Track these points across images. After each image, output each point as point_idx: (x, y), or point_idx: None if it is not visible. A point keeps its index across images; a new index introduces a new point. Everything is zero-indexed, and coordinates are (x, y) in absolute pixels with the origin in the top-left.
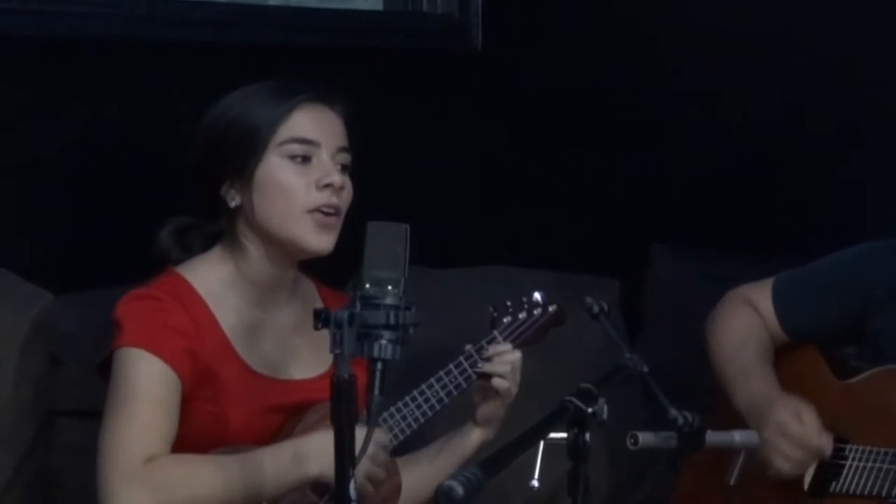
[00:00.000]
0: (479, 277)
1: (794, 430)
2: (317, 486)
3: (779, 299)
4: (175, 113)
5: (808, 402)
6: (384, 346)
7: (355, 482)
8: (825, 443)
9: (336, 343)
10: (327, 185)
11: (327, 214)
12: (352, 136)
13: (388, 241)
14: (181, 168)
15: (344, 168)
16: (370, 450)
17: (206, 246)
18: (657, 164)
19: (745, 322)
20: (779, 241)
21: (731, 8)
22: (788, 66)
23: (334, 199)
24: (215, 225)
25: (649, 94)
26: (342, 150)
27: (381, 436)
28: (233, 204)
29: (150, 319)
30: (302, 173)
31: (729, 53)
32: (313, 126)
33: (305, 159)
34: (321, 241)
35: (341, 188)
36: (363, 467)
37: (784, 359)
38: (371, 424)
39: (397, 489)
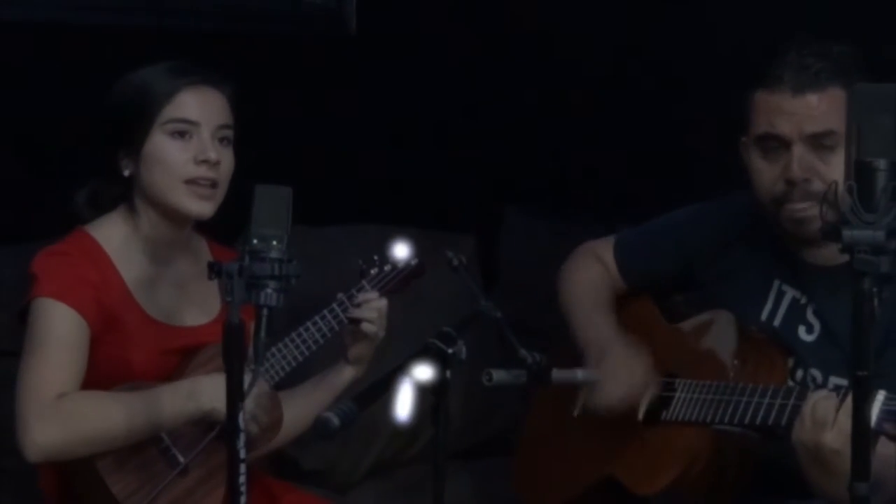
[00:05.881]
0: (353, 234)
1: (629, 366)
2: (211, 422)
3: (619, 253)
4: (74, 89)
5: (645, 346)
6: (269, 294)
7: (243, 414)
8: (646, 389)
9: (228, 291)
10: (203, 161)
11: (204, 185)
12: (236, 112)
13: (274, 202)
14: (86, 137)
15: (226, 142)
16: (255, 391)
17: (113, 206)
18: (513, 133)
19: (591, 272)
20: (617, 204)
21: None
22: (618, 39)
23: (211, 174)
24: (117, 189)
25: (507, 70)
26: (224, 126)
27: (263, 384)
28: (126, 173)
29: (62, 272)
30: (182, 149)
31: (574, 27)
32: (195, 107)
33: (187, 137)
34: (199, 206)
35: (217, 163)
36: (250, 406)
37: (623, 306)
38: (258, 363)
39: (279, 421)
